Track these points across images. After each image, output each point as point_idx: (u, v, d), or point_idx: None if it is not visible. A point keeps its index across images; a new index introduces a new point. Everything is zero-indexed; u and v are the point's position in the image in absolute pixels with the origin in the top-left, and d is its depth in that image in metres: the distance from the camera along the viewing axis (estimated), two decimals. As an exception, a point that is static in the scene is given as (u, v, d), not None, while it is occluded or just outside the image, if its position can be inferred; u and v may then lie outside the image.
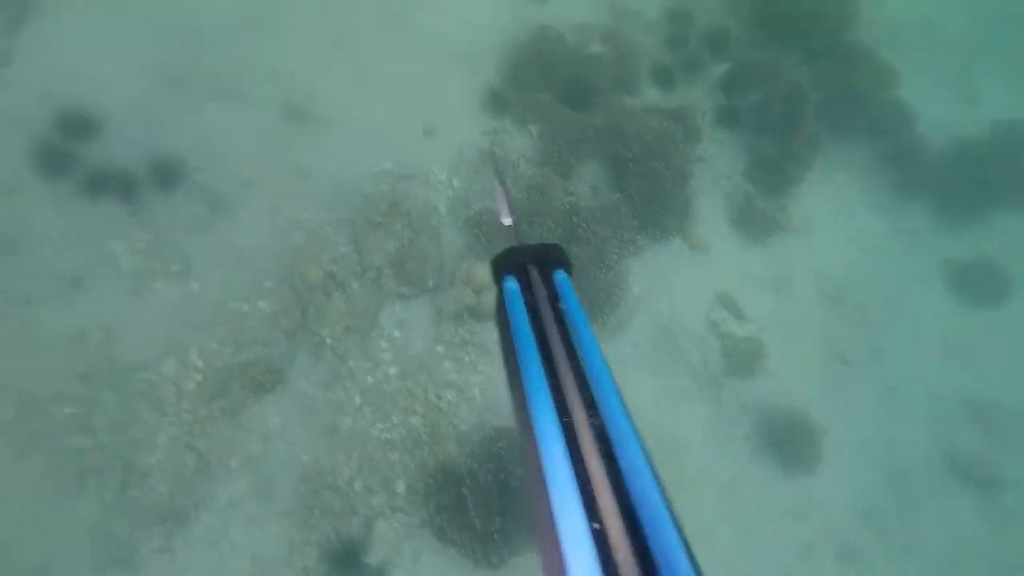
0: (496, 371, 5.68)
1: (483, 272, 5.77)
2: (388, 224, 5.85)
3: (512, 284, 1.21)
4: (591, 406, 0.90)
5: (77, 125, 5.28)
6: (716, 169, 7.06)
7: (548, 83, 6.67)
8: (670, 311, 6.31)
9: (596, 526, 0.73)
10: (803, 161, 6.66)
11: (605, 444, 0.84)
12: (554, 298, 1.16)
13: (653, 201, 6.18)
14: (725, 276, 6.65)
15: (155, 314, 4.80)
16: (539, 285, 1.20)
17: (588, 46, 6.74)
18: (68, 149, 5.18)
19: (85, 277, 4.75)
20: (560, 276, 1.22)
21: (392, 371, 5.46)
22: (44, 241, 4.81)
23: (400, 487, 5.08)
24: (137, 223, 5.12)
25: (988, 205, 7.38)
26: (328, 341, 5.29)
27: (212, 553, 4.37)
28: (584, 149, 6.41)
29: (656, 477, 0.77)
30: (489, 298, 5.82)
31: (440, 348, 5.68)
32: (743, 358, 6.28)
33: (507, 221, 1.49)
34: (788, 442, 6.05)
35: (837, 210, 7.18)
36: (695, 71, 7.38)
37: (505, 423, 5.42)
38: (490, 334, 5.80)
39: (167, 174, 5.34)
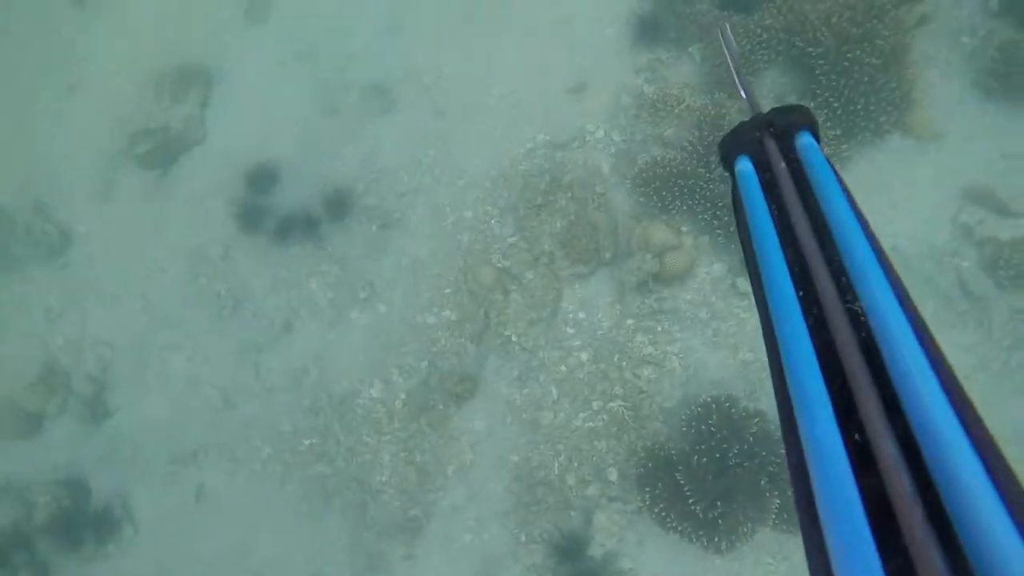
0: (694, 337, 5.14)
1: (662, 231, 5.18)
2: (551, 202, 5.52)
3: (746, 164, 1.04)
4: (848, 295, 0.74)
5: (260, 179, 5.78)
6: (951, 25, 5.35)
7: (703, -11, 5.61)
8: (900, 229, 5.04)
9: (858, 438, 0.59)
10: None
11: (869, 340, 0.67)
12: (800, 172, 0.96)
13: (857, 100, 4.92)
14: (974, 164, 5.08)
15: (355, 341, 5.16)
16: (778, 159, 0.99)
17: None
18: (259, 203, 5.71)
19: (293, 318, 5.25)
20: (805, 141, 1.00)
21: (584, 356, 5.23)
22: (257, 291, 5.40)
23: (612, 475, 4.91)
24: (325, 257, 5.50)
25: None
26: (514, 339, 5.22)
27: (447, 556, 4.68)
28: (760, 58, 5.30)
29: (942, 382, 0.58)
30: (674, 258, 5.24)
31: (630, 322, 5.28)
32: (1017, 267, 4.80)
33: (742, 93, 1.27)
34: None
35: None
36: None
37: (714, 392, 4.91)
38: (681, 298, 5.24)
39: (339, 205, 5.62)
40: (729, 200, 1.07)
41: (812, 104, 5.05)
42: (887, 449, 0.56)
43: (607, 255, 5.35)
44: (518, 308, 5.25)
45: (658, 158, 5.38)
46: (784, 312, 0.76)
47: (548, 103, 5.91)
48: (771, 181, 0.98)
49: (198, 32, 7.03)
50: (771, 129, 1.04)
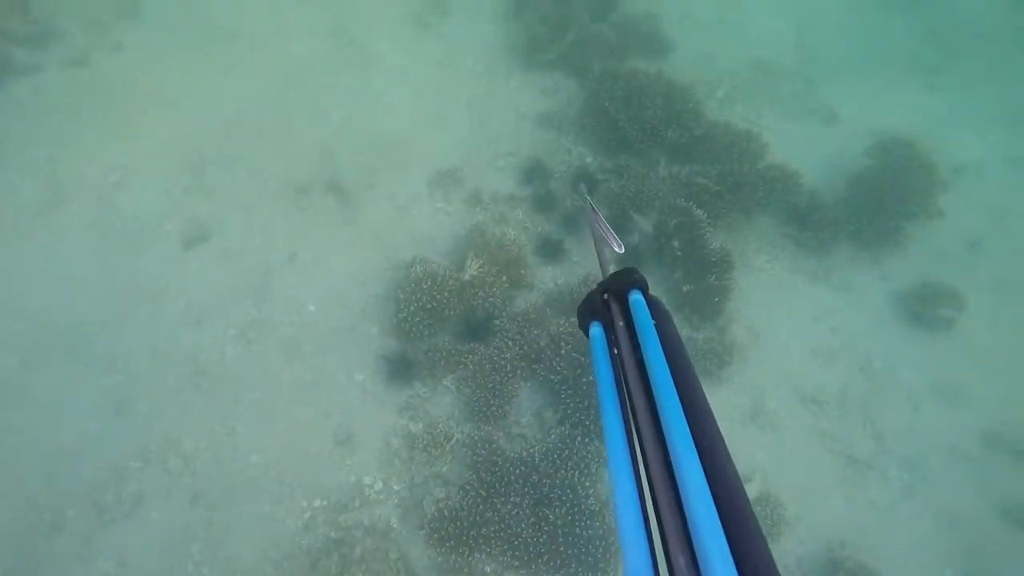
0: None
1: (469, 586, 5.03)
2: (345, 587, 5.04)
3: (596, 330, 1.18)
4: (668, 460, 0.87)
5: None
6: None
7: (440, 324, 6.07)
8: None
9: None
10: (722, 275, 6.25)
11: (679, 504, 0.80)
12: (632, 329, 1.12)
13: (593, 407, 5.62)
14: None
15: None
16: (618, 318, 1.15)
17: (464, 269, 6.18)
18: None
19: None
20: (633, 299, 1.15)
21: None
22: None
23: None
24: None
25: (899, 220, 7.18)
26: None
27: None
28: (509, 383, 5.81)
29: (724, 534, 0.72)
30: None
31: None
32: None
33: (619, 249, 1.43)
34: None
35: (776, 307, 6.82)
36: (577, 223, 6.95)
37: None
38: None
39: None
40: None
41: (568, 424, 5.62)
42: (679, 562, 0.72)
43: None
44: None
45: (442, 501, 5.37)
46: (615, 463, 0.89)
47: (316, 463, 5.60)
48: (616, 340, 1.12)
49: None
50: (611, 292, 1.19)
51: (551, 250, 6.72)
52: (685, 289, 6.32)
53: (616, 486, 0.85)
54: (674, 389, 0.93)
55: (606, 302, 1.22)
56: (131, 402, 5.82)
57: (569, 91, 8.06)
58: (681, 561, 0.72)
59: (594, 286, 1.31)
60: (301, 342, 6.18)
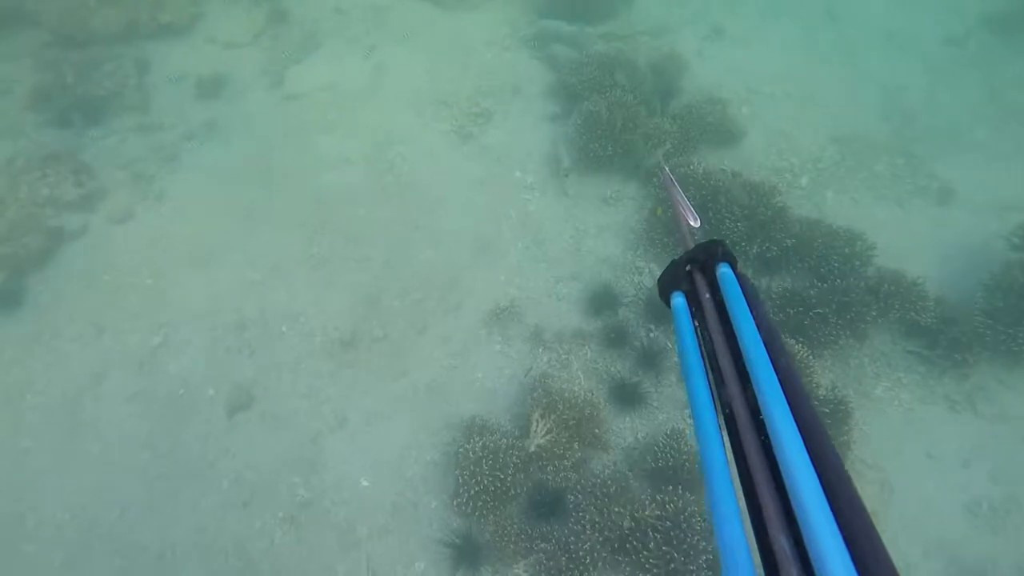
0: None
1: None
2: None
3: (679, 300, 1.17)
4: (762, 427, 0.83)
5: None
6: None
7: (505, 504, 5.25)
8: None
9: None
10: (839, 426, 5.17)
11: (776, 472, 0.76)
12: (721, 302, 1.08)
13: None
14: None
15: None
16: (704, 291, 1.13)
17: (530, 436, 5.38)
18: None
19: None
20: (721, 271, 1.12)
21: None
22: None
23: None
24: None
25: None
26: None
27: None
28: (591, 559, 4.89)
29: (831, 511, 0.68)
30: None
31: None
32: None
33: (695, 223, 1.42)
34: None
35: (908, 449, 5.60)
36: (655, 359, 6.04)
37: None
38: None
39: None
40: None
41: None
42: (781, 544, 0.68)
43: None
44: None
45: None
46: (704, 433, 0.88)
47: None
48: (700, 311, 1.10)
49: None
50: (696, 263, 1.18)
51: (628, 396, 5.83)
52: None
53: (707, 453, 0.84)
54: (771, 366, 0.87)
55: (690, 273, 1.19)
56: None
57: (633, 198, 7.28)
58: (784, 542, 0.68)
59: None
60: (355, 525, 5.52)
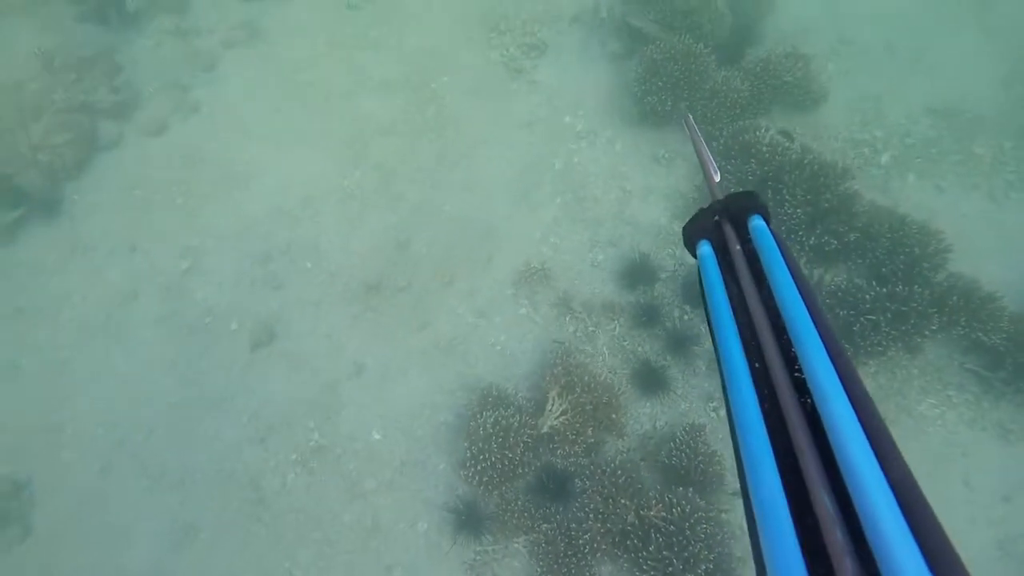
0: None
1: None
2: None
3: (706, 248, 1.11)
4: (795, 365, 0.82)
5: None
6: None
7: (511, 480, 5.23)
8: None
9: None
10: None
11: (812, 406, 0.75)
12: (754, 252, 1.03)
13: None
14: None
15: None
16: (734, 242, 1.07)
17: (544, 415, 5.24)
18: None
19: None
20: (755, 224, 1.07)
21: None
22: None
23: None
24: None
25: None
26: None
27: None
28: (587, 567, 4.90)
29: (872, 441, 0.66)
30: None
31: None
32: None
33: (715, 176, 1.29)
34: None
35: (945, 476, 5.26)
36: (685, 343, 5.73)
37: None
38: None
39: None
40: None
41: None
42: (823, 502, 0.64)
43: None
44: None
45: None
46: (736, 383, 0.85)
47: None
48: (729, 262, 1.06)
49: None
50: (726, 214, 1.12)
51: (652, 380, 5.59)
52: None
53: (738, 403, 0.82)
54: (812, 322, 0.83)
55: (718, 224, 1.13)
56: (195, 530, 5.59)
57: (688, 160, 6.64)
58: (826, 500, 0.64)
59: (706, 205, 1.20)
60: (364, 476, 5.62)
